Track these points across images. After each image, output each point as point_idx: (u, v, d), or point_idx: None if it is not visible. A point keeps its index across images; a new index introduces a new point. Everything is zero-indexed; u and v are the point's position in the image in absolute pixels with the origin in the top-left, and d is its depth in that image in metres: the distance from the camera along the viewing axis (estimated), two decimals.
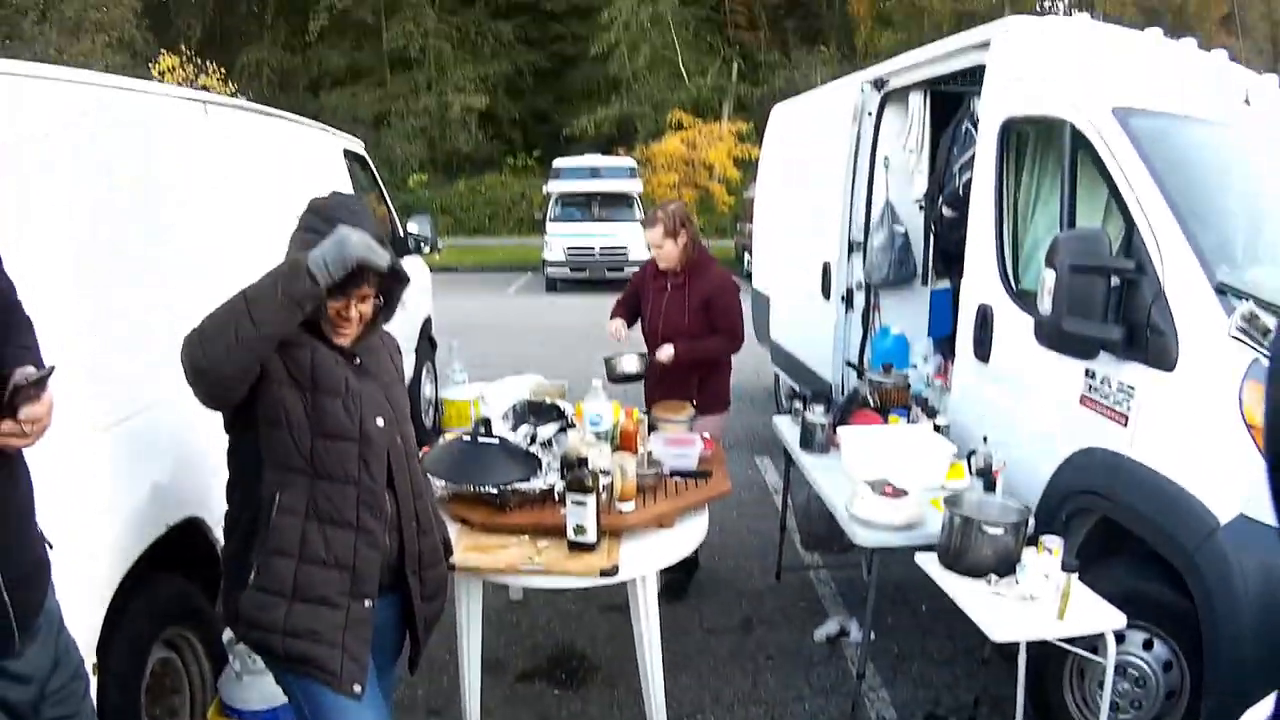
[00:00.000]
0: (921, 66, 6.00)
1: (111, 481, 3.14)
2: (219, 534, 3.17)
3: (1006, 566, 3.43)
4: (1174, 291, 3.54)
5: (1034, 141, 4.78)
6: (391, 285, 2.77)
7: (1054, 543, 3.34)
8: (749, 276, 10.89)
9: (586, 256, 21.66)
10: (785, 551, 5.86)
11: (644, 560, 3.77)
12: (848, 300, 6.96)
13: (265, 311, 2.36)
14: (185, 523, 3.53)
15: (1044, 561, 3.31)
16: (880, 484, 4.04)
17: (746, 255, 17.22)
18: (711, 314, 5.32)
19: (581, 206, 22.86)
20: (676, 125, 29.34)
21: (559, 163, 24.54)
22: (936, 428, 4.70)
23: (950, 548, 3.55)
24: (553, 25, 42.63)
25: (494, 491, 3.81)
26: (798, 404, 5.30)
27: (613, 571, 3.57)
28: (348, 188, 6.79)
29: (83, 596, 2.82)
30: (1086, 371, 3.95)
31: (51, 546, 2.34)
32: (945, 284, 6.60)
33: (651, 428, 4.80)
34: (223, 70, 28.25)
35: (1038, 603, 3.29)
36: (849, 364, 6.90)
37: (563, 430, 4.36)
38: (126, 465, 3.24)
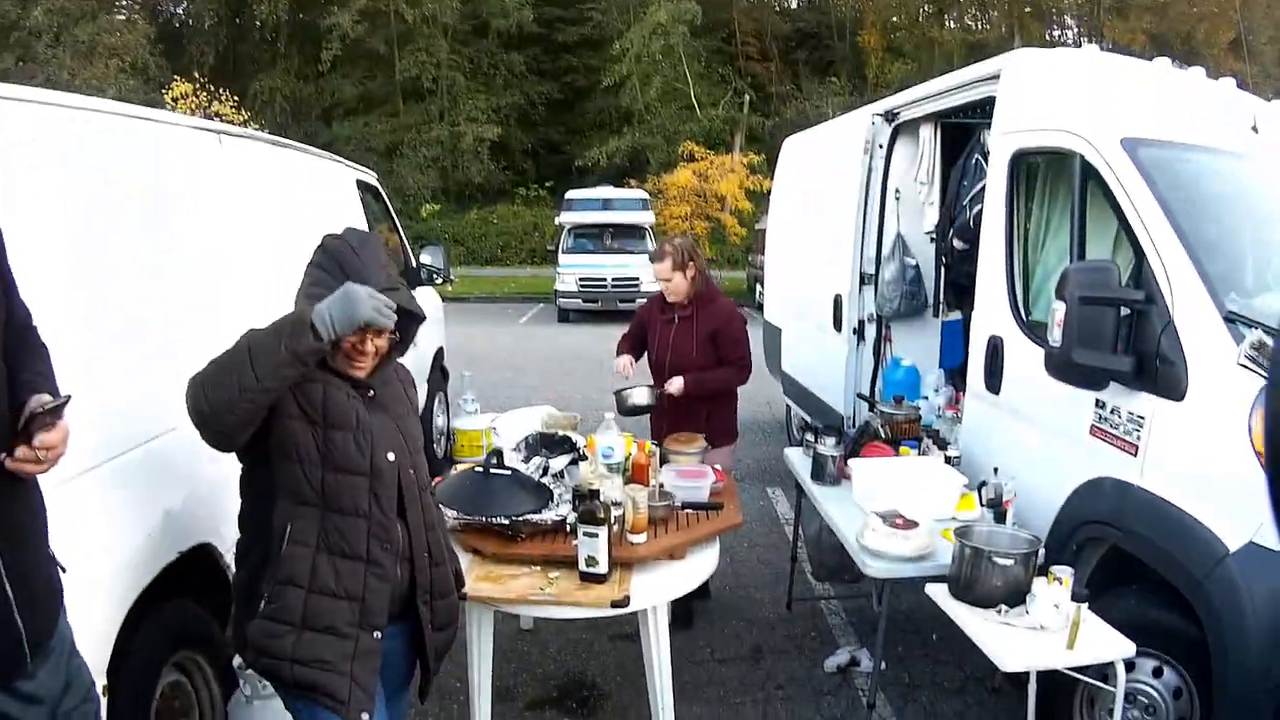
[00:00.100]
0: (932, 99, 6.03)
1: (125, 507, 3.16)
2: (230, 560, 3.19)
3: (1017, 597, 3.42)
4: (1183, 321, 3.55)
5: (1044, 173, 4.80)
6: (407, 320, 2.80)
7: (1064, 573, 3.33)
8: (761, 308, 10.90)
9: (599, 288, 21.70)
10: (796, 581, 5.84)
11: (655, 591, 3.77)
12: (859, 332, 6.96)
13: (267, 365, 2.38)
14: (197, 548, 3.54)
15: (1054, 591, 3.31)
16: (891, 515, 4.03)
17: (758, 287, 17.24)
18: (720, 346, 5.35)
19: (594, 238, 22.90)
20: (688, 157, 29.38)
21: (571, 194, 24.65)
22: (947, 459, 4.70)
23: (961, 578, 3.55)
24: (565, 56, 42.98)
25: (505, 522, 3.82)
26: (809, 436, 5.30)
27: (624, 603, 3.57)
28: (361, 220, 6.85)
29: (95, 619, 2.83)
30: (1096, 402, 3.95)
31: (65, 570, 2.36)
32: (956, 315, 6.59)
33: (663, 460, 4.81)
34: (235, 98, 28.36)
35: (1048, 632, 3.29)
36: (860, 396, 6.89)
37: (575, 462, 4.38)
38: (141, 491, 3.25)
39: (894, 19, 42.11)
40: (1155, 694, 3.61)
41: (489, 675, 3.88)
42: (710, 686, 4.87)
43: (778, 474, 8.54)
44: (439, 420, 9.21)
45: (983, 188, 5.24)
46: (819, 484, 4.91)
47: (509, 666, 4.97)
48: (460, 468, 4.54)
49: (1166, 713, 3.61)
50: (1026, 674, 3.41)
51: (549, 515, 3.89)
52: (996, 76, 5.01)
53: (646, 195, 25.72)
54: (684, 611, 5.41)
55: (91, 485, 2.95)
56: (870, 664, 4.78)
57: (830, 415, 7.19)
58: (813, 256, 8.19)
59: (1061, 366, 3.89)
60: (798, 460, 5.33)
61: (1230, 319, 3.49)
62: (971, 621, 3.43)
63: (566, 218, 23.35)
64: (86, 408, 2.42)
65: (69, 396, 2.15)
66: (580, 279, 21.73)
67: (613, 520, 3.73)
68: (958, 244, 6.01)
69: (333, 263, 2.64)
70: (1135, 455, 3.71)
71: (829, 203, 7.65)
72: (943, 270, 6.69)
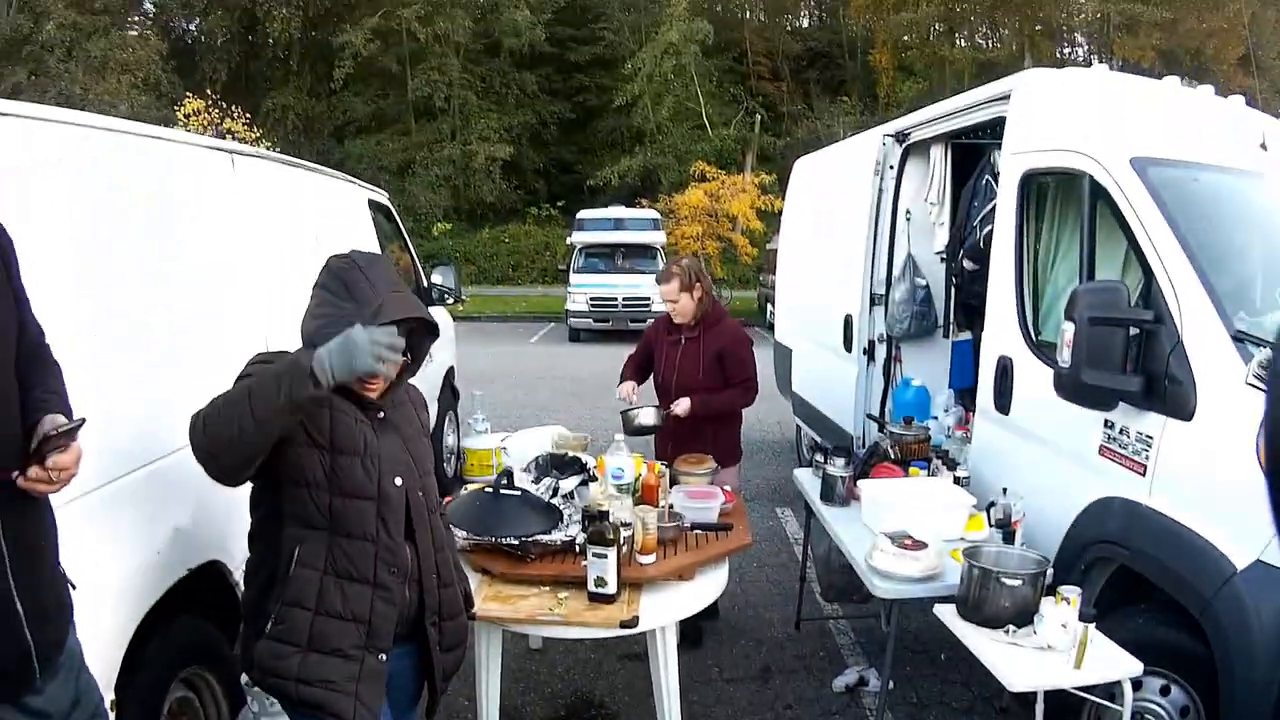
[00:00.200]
0: (943, 120, 6.05)
1: (135, 524, 3.17)
2: (239, 577, 3.19)
3: (1025, 617, 3.41)
4: (1192, 341, 3.55)
5: (1054, 193, 4.81)
6: (418, 341, 2.82)
7: (1071, 593, 3.33)
8: (771, 328, 10.90)
9: (610, 307, 21.74)
10: (805, 601, 5.83)
11: (663, 612, 3.77)
12: (869, 353, 6.95)
13: (266, 410, 2.38)
14: (206, 565, 3.55)
15: (1061, 611, 3.30)
16: (899, 536, 4.03)
17: (769, 307, 17.25)
18: (726, 367, 5.37)
19: (605, 258, 22.94)
20: (700, 176, 29.44)
21: (583, 214, 24.74)
22: (957, 479, 4.69)
23: (969, 599, 3.54)
24: (576, 76, 43.18)
25: (514, 543, 3.83)
26: (819, 457, 5.32)
27: (633, 623, 3.57)
28: (373, 240, 6.87)
29: (104, 635, 2.84)
30: (1105, 422, 3.95)
31: (75, 587, 2.37)
32: (967, 336, 6.59)
33: (673, 481, 4.82)
34: (248, 115, 28.41)
35: (1055, 652, 3.29)
36: (870, 416, 6.88)
37: (584, 483, 4.39)
38: (150, 508, 3.27)
39: (905, 38, 42.17)
40: (1163, 712, 3.60)
41: (497, 695, 3.88)
42: (719, 706, 4.86)
43: (787, 494, 8.52)
44: (449, 439, 9.23)
45: (993, 208, 5.25)
46: (828, 505, 4.90)
47: (517, 686, 4.97)
48: (470, 487, 4.55)
49: None
50: (1034, 694, 3.40)
51: (558, 536, 3.89)
52: (1006, 97, 5.04)
53: (658, 215, 25.74)
54: (693, 631, 5.40)
55: (101, 502, 2.97)
56: (878, 684, 4.76)
57: (840, 435, 7.18)
58: (823, 277, 8.21)
59: (1071, 387, 3.88)
60: (807, 481, 5.33)
61: (1239, 338, 3.49)
62: (979, 641, 3.42)
63: (578, 237, 23.43)
64: (98, 425, 2.43)
65: (83, 419, 2.17)
66: (591, 299, 21.78)
67: (622, 541, 3.74)
68: (968, 264, 6.02)
69: (338, 283, 2.66)
70: (1144, 475, 3.70)
71: (840, 223, 7.67)
72: (953, 291, 6.68)
